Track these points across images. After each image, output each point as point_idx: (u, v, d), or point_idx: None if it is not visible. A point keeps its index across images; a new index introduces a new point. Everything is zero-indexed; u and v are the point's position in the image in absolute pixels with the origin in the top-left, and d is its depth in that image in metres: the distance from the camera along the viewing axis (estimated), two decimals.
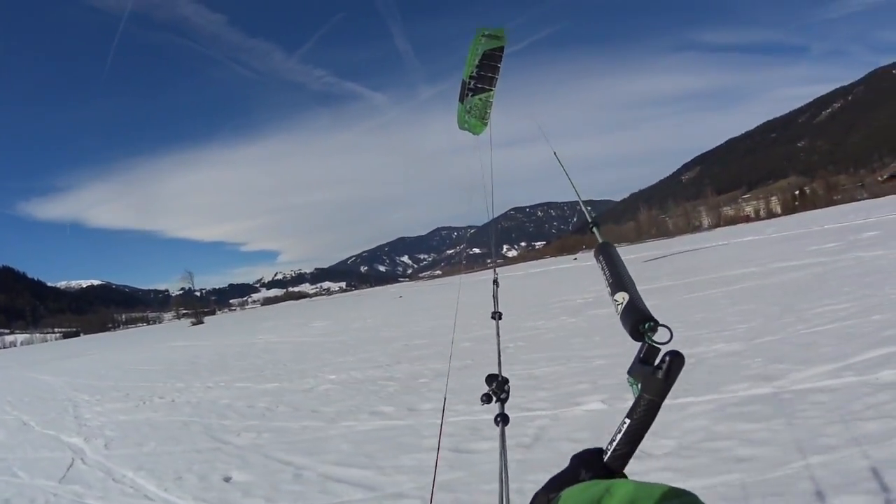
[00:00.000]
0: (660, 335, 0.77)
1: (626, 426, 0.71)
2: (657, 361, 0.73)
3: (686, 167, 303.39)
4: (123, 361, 19.49)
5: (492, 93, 2.17)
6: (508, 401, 1.35)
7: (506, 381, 1.34)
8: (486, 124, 2.20)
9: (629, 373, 0.76)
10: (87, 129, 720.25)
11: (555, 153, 1.58)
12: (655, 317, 0.79)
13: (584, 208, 1.34)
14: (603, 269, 0.97)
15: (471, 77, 2.14)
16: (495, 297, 1.87)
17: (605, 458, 0.71)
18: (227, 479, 4.53)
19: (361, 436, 5.16)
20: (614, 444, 0.72)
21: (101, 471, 5.37)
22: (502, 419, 1.27)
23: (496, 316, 1.77)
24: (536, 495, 0.66)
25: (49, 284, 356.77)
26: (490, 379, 1.35)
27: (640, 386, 0.73)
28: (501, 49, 2.10)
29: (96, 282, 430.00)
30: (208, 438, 6.04)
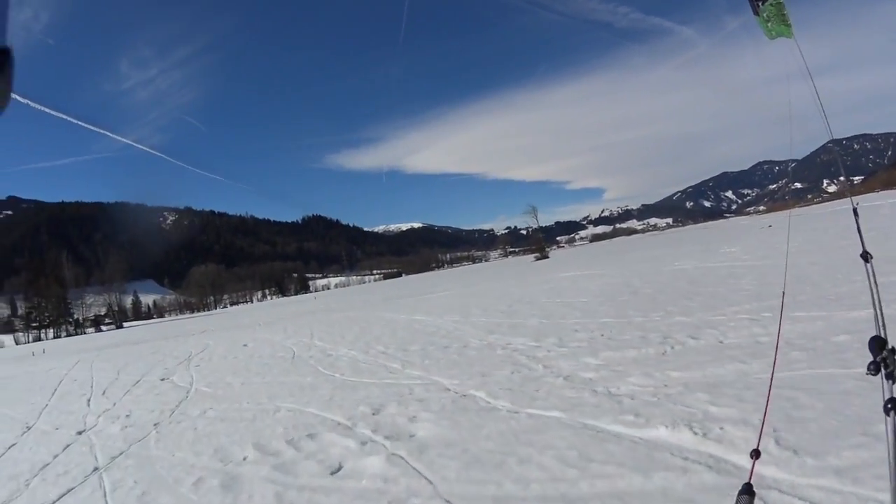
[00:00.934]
0: None
1: None
2: None
3: None
4: (514, 295, 15.30)
5: None
6: None
7: (895, 350, 1.01)
8: (790, 25, 2.14)
9: None
10: (394, 84, 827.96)
11: None
12: None
13: None
14: None
15: None
16: (859, 230, 1.51)
17: None
18: None
19: None
20: None
21: None
22: (893, 406, 0.93)
23: (866, 256, 1.40)
24: None
25: (366, 229, 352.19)
26: (877, 344, 1.03)
27: None
28: None
29: (416, 224, 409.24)
30: None
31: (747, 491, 0.83)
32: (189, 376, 9.58)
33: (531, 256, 63.40)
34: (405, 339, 9.63)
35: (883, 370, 0.97)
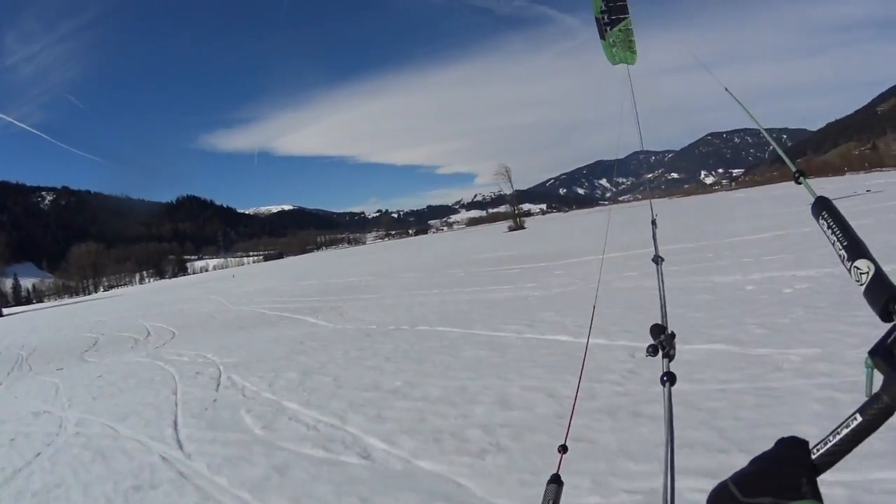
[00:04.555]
0: None
1: (854, 423, 0.55)
2: None
3: (881, 98, 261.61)
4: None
5: (628, 19, 2.21)
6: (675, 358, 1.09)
7: (673, 335, 1.14)
8: (635, 52, 2.21)
9: (870, 354, 0.56)
10: (271, 63, 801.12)
11: (726, 88, 1.58)
12: None
13: (780, 153, 1.18)
14: (830, 229, 0.77)
15: (601, 12, 2.24)
16: (654, 238, 1.79)
17: (816, 455, 0.55)
18: None
19: None
20: (834, 440, 0.56)
21: None
22: (668, 378, 1.03)
23: (657, 260, 1.61)
24: (724, 487, 0.54)
25: (239, 210, 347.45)
26: (656, 330, 1.14)
27: (880, 379, 0.55)
28: None
29: (287, 206, 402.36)
30: None
31: (555, 480, 0.92)
32: None
33: (502, 226, 57.89)
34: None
35: (661, 351, 1.12)
